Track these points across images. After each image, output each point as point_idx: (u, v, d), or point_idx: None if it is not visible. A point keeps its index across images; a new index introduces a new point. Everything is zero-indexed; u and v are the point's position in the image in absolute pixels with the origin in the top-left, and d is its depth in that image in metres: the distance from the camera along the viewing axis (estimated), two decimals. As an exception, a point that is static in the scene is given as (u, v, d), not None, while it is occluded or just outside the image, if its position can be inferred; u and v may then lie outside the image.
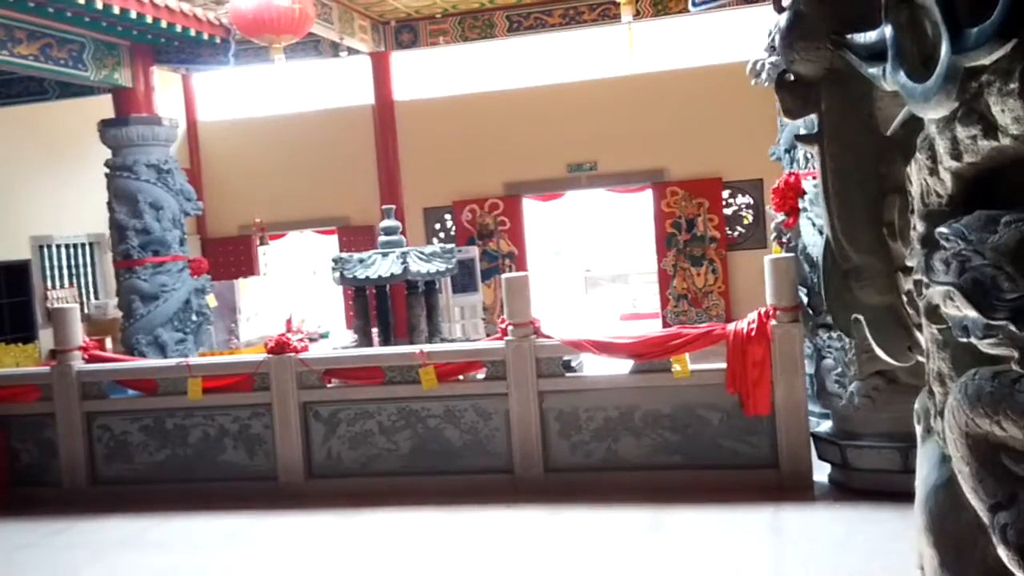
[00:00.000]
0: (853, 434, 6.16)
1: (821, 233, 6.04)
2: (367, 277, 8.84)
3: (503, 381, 6.89)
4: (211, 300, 11.86)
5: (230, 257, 17.68)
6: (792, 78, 2.32)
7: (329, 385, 7.25)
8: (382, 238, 9.40)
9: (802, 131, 10.61)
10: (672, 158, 16.70)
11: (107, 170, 11.52)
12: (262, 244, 14.56)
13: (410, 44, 17.22)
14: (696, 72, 16.59)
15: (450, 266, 9.12)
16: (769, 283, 6.40)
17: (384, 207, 9.89)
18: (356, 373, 7.22)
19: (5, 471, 7.61)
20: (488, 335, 13.47)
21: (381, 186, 17.64)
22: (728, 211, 16.75)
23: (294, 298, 14.51)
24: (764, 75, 6.55)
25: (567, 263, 23.46)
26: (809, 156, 6.16)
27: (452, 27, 16.99)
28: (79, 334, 7.70)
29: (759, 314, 6.41)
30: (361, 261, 8.98)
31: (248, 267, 17.64)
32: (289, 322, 13.31)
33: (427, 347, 7.17)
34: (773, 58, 6.46)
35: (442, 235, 17.58)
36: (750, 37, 16.93)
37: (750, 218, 16.76)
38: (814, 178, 6.13)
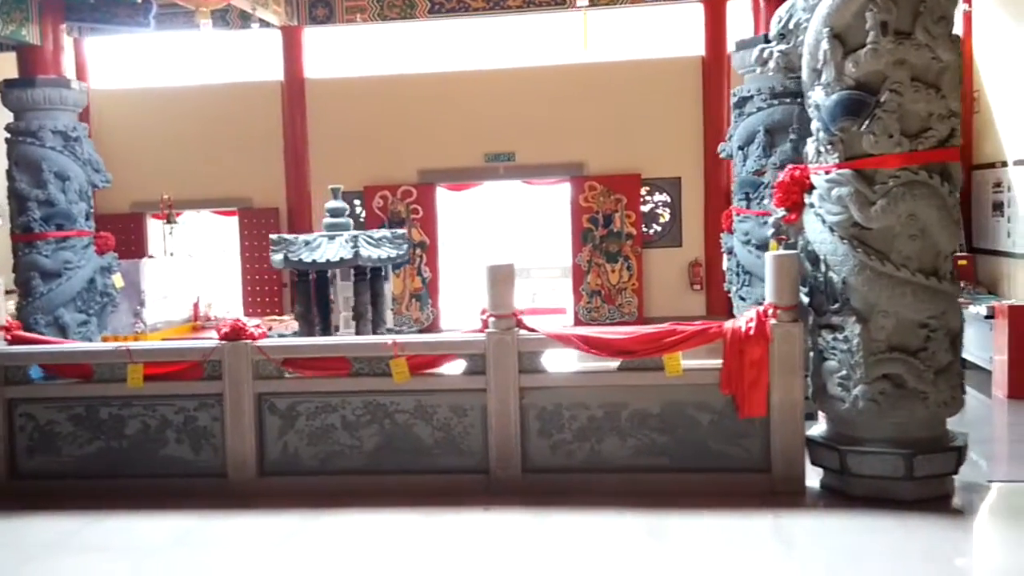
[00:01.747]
0: (854, 439, 5.95)
1: (832, 231, 5.83)
2: (314, 261, 8.26)
3: (482, 376, 6.45)
4: (118, 280, 11.02)
5: (120, 236, 16.59)
6: None
7: (288, 375, 6.67)
8: (327, 220, 8.82)
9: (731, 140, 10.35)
10: (592, 152, 16.49)
11: (7, 135, 10.60)
12: (169, 222, 13.70)
13: (325, 20, 16.55)
14: (619, 66, 16.42)
15: (401, 252, 8.63)
16: (770, 281, 6.14)
17: (331, 187, 9.28)
18: (320, 363, 6.66)
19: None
20: (396, 326, 12.96)
21: (287, 167, 16.94)
22: (645, 208, 16.63)
23: (199, 282, 13.69)
24: (772, 63, 6.26)
25: (469, 254, 22.91)
26: (822, 149, 5.91)
27: (370, 4, 16.39)
28: (2, 312, 6.92)
29: (758, 313, 6.15)
30: (307, 243, 8.41)
31: (139, 247, 16.66)
32: (196, 306, 12.55)
33: (400, 337, 6.67)
34: (782, 46, 6.20)
35: (351, 221, 16.94)
36: (675, 34, 16.90)
37: (667, 216, 16.70)
38: (827, 172, 5.90)
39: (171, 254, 13.95)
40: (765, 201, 9.83)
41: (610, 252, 16.52)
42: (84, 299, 10.70)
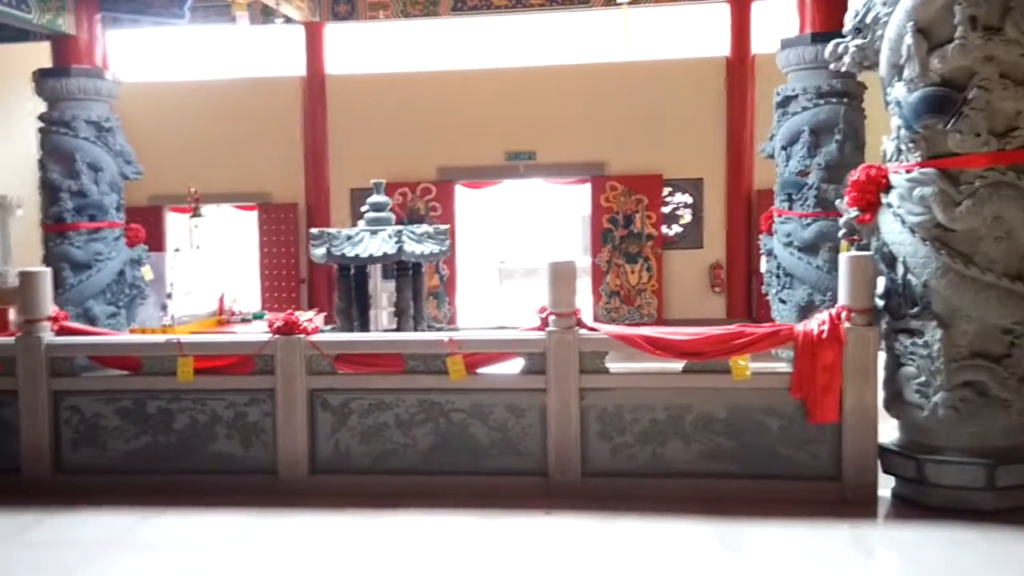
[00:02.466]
0: (932, 448, 5.76)
1: (913, 232, 5.68)
2: (356, 255, 8.10)
3: (541, 376, 6.29)
4: (147, 272, 10.88)
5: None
6: None
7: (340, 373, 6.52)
8: (369, 214, 8.67)
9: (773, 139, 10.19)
10: (613, 152, 16.38)
11: (40, 124, 10.47)
12: (195, 215, 13.55)
13: (347, 16, 16.42)
14: (642, 66, 16.32)
15: (444, 248, 8.48)
16: (844, 283, 5.97)
17: (374, 181, 9.14)
18: (374, 360, 6.50)
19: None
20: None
21: (307, 163, 16.83)
22: (665, 209, 16.51)
23: (223, 276, 13.55)
24: (848, 59, 6.11)
25: (484, 254, 22.83)
26: (902, 147, 5.77)
27: (393, 1, 16.25)
28: (49, 302, 6.75)
29: (830, 315, 5.99)
30: (349, 238, 8.25)
31: (157, 241, 16.48)
32: (222, 300, 12.39)
33: (457, 334, 6.52)
34: (858, 41, 6.05)
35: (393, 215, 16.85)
36: (697, 34, 16.78)
37: (687, 217, 16.57)
38: (908, 171, 5.75)
39: (197, 247, 13.79)
40: (808, 202, 9.72)
41: (630, 253, 16.39)
42: (113, 291, 10.59)
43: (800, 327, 6.05)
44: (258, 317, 12.58)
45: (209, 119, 16.70)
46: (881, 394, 6.11)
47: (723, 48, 16.09)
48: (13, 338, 6.67)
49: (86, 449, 6.68)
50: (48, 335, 6.68)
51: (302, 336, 6.45)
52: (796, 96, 9.78)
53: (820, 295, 9.61)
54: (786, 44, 9.93)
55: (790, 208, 9.86)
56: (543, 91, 16.24)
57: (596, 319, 16.42)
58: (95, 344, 6.89)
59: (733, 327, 6.23)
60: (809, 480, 6.09)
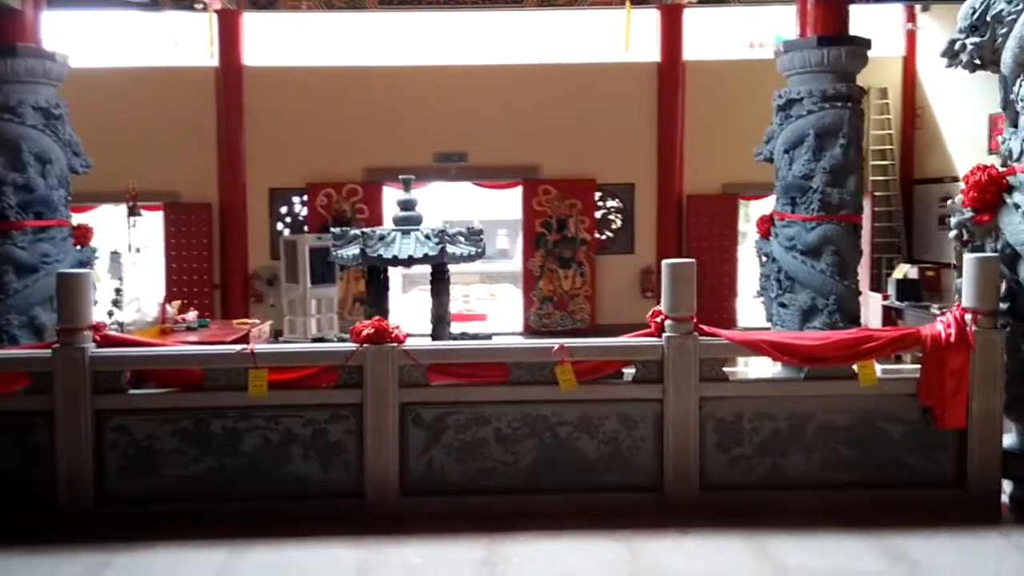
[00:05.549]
0: (1063, 452, 5.72)
1: (1053, 233, 5.57)
2: (394, 257, 7.48)
3: (657, 384, 5.89)
4: (97, 276, 9.85)
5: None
6: None
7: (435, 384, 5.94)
8: (399, 213, 8.05)
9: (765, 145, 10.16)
10: (546, 155, 16.14)
11: (-22, 110, 9.33)
12: (132, 214, 12.42)
13: (266, 5, 15.49)
14: (574, 68, 16.15)
15: (481, 249, 7.96)
16: (968, 285, 5.84)
17: (402, 177, 8.53)
18: (474, 370, 5.95)
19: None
20: (344, 331, 12.17)
21: (221, 160, 15.82)
22: (597, 214, 16.34)
23: (158, 280, 12.51)
24: (965, 56, 5.97)
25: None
26: (1034, 147, 5.68)
27: (316, -10, 15.43)
28: (91, 308, 5.89)
29: (955, 318, 5.82)
30: (381, 238, 7.62)
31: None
32: (163, 307, 11.39)
33: (567, 341, 6.03)
34: (975, 39, 5.92)
35: (289, 219, 16.04)
36: (632, 38, 16.63)
37: (619, 222, 16.45)
38: (1040, 172, 5.65)
39: (137, 250, 12.69)
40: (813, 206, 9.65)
41: (563, 258, 16.16)
42: (62, 297, 9.49)
43: (927, 330, 5.86)
44: (202, 325, 11.65)
45: (111, 111, 15.38)
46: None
47: (654, 53, 16.02)
48: (49, 350, 5.79)
49: (136, 476, 5.83)
50: (91, 346, 5.82)
51: (395, 345, 5.83)
52: (800, 99, 9.72)
53: (823, 299, 9.58)
54: (789, 47, 9.86)
55: (793, 212, 9.78)
56: (475, 91, 15.81)
57: (527, 326, 16.17)
58: (149, 356, 6.04)
59: (857, 330, 5.99)
60: (931, 488, 5.94)
